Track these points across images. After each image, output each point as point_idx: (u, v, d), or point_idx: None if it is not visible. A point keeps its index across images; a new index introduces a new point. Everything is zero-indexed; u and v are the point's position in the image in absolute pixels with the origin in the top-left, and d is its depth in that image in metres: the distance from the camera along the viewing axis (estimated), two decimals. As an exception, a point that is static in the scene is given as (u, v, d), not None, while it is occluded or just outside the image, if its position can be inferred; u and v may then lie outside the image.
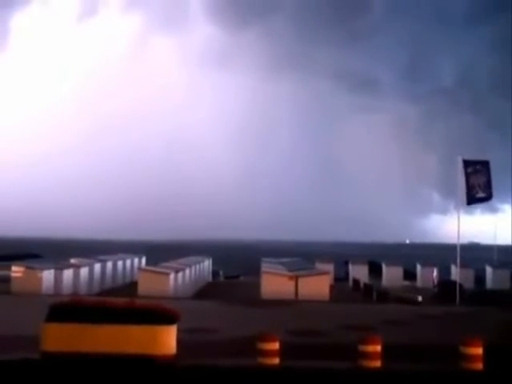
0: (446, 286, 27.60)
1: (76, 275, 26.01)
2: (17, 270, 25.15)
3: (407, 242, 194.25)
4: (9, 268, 26.29)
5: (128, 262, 32.87)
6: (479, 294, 27.01)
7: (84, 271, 26.57)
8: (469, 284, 29.72)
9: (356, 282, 32.17)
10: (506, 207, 52.50)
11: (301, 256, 44.59)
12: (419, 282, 33.24)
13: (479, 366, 11.26)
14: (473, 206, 25.27)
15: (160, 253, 51.04)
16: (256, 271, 30.16)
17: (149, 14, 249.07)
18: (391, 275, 33.37)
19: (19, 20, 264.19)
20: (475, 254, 49.28)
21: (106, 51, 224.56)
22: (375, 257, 45.84)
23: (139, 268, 29.60)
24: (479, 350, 11.29)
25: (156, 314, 11.90)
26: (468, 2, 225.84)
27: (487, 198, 24.48)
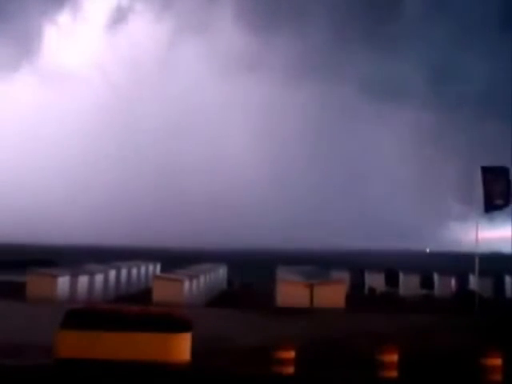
0: (464, 295, 27.22)
1: (91, 282, 26.06)
2: (32, 277, 25.27)
3: (427, 250, 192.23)
4: (24, 274, 26.45)
5: (143, 269, 32.90)
6: (498, 303, 26.59)
7: (99, 278, 26.63)
8: (487, 293, 29.28)
9: (372, 290, 31.80)
10: (530, 216, 51.47)
11: (317, 264, 44.29)
12: (437, 291, 32.82)
13: (498, 377, 11.05)
14: (491, 213, 24.89)
15: (175, 260, 51.05)
16: (271, 279, 30.02)
17: (178, 20, 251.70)
18: (408, 284, 32.95)
19: (51, 27, 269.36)
20: (497, 263, 48.56)
21: (136, 57, 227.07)
22: (394, 265, 45.37)
23: (154, 275, 29.60)
24: (498, 362, 11.08)
25: (171, 322, 11.86)
26: (499, 11, 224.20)
27: (505, 204, 24.12)
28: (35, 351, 13.01)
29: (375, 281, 33.41)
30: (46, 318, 16.11)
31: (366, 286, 33.78)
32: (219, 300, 28.48)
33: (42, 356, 12.25)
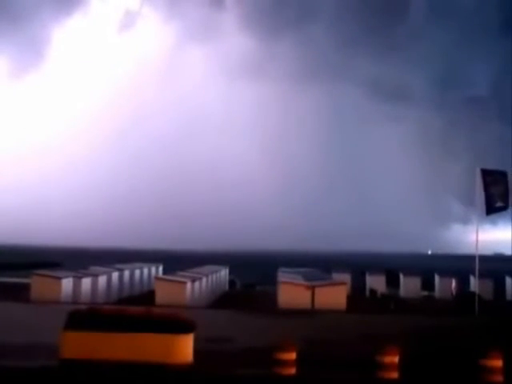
0: (464, 296, 27.28)
1: (94, 284, 26.19)
2: (36, 278, 25.41)
3: (429, 252, 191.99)
4: (29, 276, 26.61)
5: (145, 271, 33.02)
6: (498, 305, 26.65)
7: (102, 280, 26.76)
8: (488, 295, 29.35)
9: (373, 292, 31.87)
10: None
11: (318, 266, 44.43)
12: (437, 293, 32.91)
13: (499, 378, 11.14)
14: (492, 215, 25.00)
15: (178, 262, 51.19)
16: (273, 281, 30.12)
17: (185, 26, 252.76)
18: (409, 285, 33.04)
19: (60, 32, 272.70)
20: (499, 265, 48.55)
21: (144, 62, 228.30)
22: (395, 267, 45.50)
23: (156, 277, 29.74)
24: (499, 363, 11.17)
25: (173, 323, 11.97)
26: (505, 12, 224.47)
27: (505, 207, 24.23)
28: (39, 352, 13.14)
29: (376, 283, 33.50)
30: (49, 319, 16.25)
31: (367, 288, 33.86)
32: (221, 301, 28.59)
33: (46, 357, 12.37)
